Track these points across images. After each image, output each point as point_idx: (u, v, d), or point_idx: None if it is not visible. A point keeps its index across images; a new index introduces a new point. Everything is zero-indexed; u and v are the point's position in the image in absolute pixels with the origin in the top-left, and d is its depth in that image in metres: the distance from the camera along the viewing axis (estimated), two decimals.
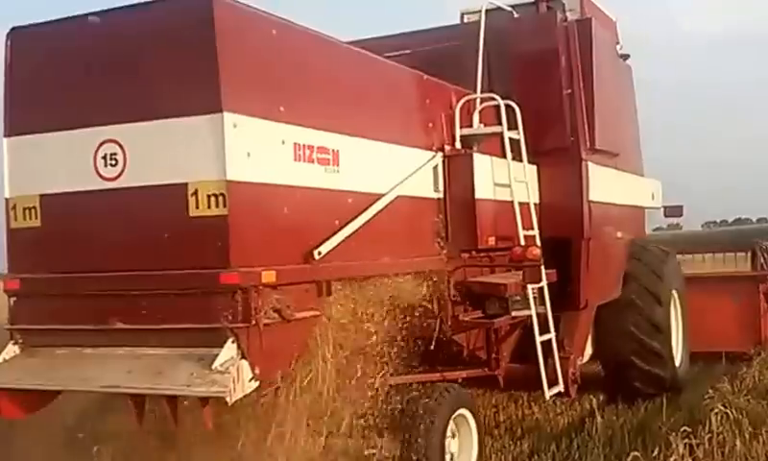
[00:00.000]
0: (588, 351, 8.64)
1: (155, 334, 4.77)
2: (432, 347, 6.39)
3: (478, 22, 7.77)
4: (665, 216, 11.17)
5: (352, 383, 5.44)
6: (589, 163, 8.04)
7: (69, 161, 5.02)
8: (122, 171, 4.86)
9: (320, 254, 5.08)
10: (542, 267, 6.83)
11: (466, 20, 8.91)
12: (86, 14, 4.99)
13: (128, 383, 4.67)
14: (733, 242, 12.77)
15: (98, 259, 4.95)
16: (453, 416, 6.09)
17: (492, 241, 6.91)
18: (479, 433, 6.48)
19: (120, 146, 4.85)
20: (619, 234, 8.92)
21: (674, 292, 9.55)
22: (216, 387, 4.37)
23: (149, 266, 4.77)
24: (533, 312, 6.86)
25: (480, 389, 8.32)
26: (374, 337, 5.61)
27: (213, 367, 4.45)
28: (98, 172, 4.91)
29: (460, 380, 6.73)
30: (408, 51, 7.54)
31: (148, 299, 4.78)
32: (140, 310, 4.80)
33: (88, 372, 4.83)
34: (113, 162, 4.87)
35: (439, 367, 6.69)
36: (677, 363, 9.41)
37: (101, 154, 4.89)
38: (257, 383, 4.60)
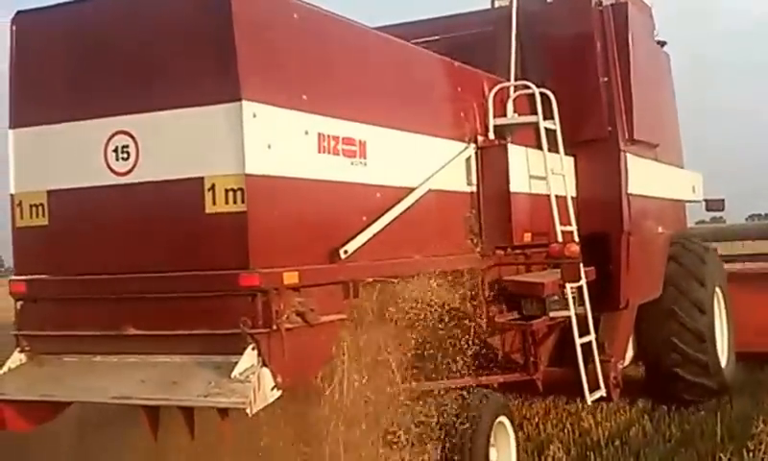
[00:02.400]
0: (630, 353, 8.24)
1: (169, 340, 4.46)
2: (467, 350, 6.06)
3: (509, 7, 7.47)
4: (707, 210, 10.80)
5: (382, 390, 5.12)
6: (628, 155, 7.71)
7: (78, 155, 4.72)
8: (134, 165, 4.55)
9: (346, 252, 4.77)
10: (581, 265, 6.50)
11: (496, 5, 8.57)
12: None
13: (141, 394, 4.36)
14: None
15: (108, 260, 4.65)
16: (495, 423, 5.78)
17: (527, 237, 6.62)
18: (517, 441, 6.16)
19: (132, 138, 4.54)
20: (660, 229, 8.57)
21: (717, 290, 9.12)
22: (236, 398, 4.07)
23: (162, 267, 4.46)
24: (572, 313, 6.57)
25: None
26: (405, 341, 5.28)
27: (232, 375, 4.15)
28: (109, 166, 4.60)
29: (496, 386, 6.41)
30: (436, 37, 7.26)
31: (162, 302, 4.47)
32: (154, 315, 4.50)
33: (99, 381, 4.54)
34: (125, 156, 4.56)
35: (474, 371, 6.36)
36: (723, 365, 8.97)
37: (112, 146, 4.59)
38: (279, 393, 4.28)
